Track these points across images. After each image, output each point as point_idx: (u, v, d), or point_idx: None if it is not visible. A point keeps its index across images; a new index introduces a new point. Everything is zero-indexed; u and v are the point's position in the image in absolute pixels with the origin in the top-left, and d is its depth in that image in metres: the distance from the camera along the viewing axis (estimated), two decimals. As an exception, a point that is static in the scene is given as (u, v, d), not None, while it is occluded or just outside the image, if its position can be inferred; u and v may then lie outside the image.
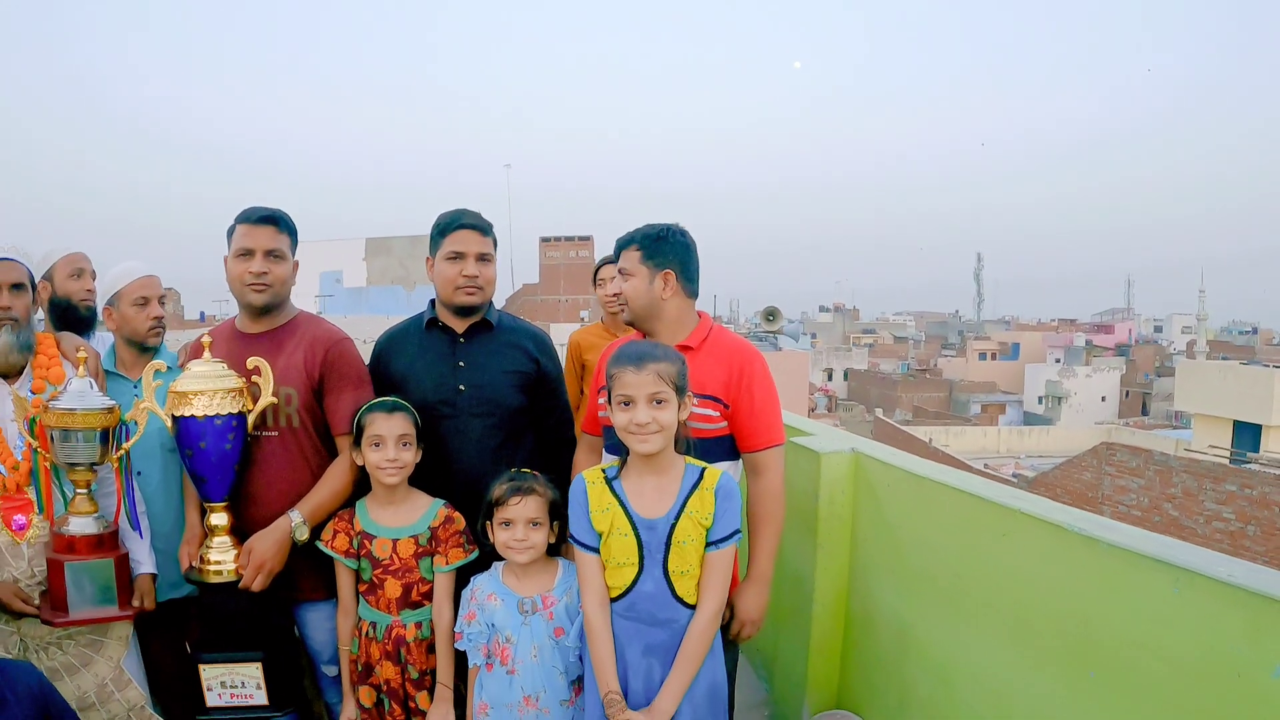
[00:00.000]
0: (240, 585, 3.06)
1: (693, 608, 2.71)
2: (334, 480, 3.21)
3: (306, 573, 3.23)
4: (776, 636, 4.33)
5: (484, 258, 3.32)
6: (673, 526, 2.68)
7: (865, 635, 3.80)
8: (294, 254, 3.33)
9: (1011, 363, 68.63)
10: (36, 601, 3.02)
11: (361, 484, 3.24)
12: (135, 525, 3.17)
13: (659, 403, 2.65)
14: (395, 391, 3.26)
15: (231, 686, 3.13)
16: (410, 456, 3.11)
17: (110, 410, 3.02)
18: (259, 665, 3.11)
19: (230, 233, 3.26)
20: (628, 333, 3.98)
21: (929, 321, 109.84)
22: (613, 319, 4.61)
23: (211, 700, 3.15)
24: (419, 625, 3.11)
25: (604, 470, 2.81)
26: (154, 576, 3.23)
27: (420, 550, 3.11)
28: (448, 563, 3.11)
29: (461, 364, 3.34)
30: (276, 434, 3.22)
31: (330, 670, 3.35)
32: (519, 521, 2.92)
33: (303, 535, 3.11)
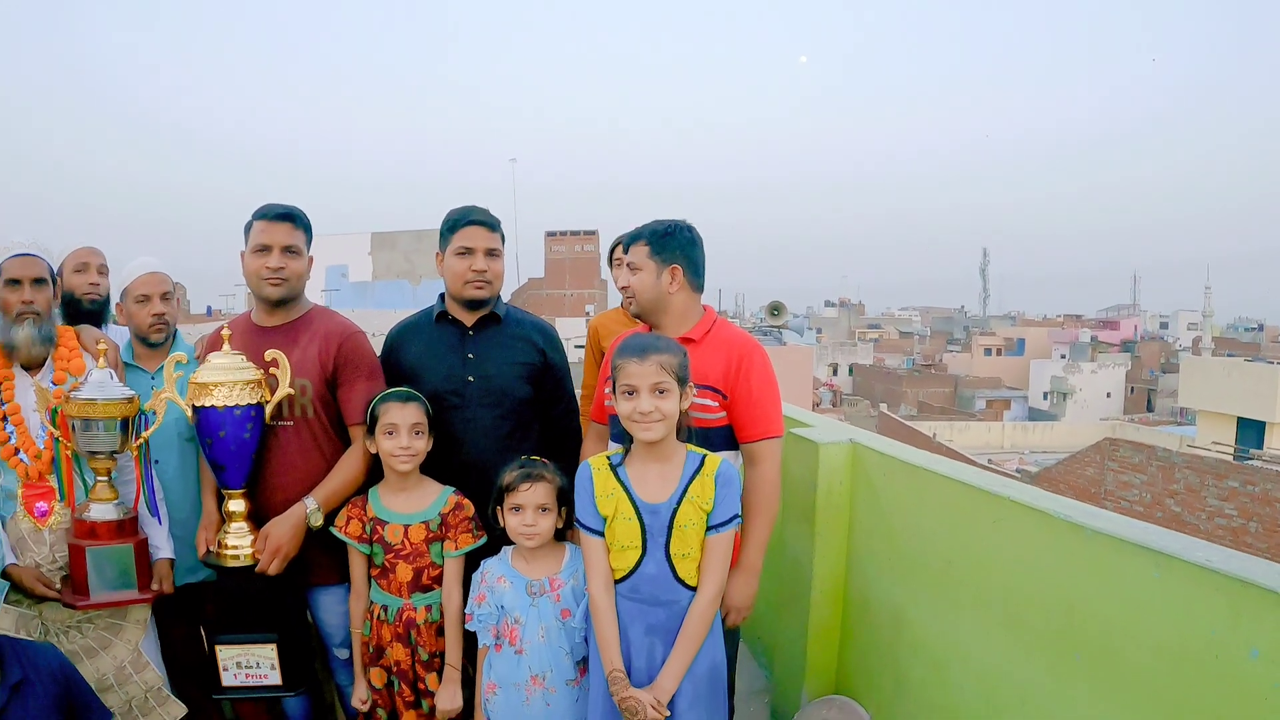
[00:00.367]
0: (257, 569, 3.14)
1: (694, 589, 2.81)
2: (347, 468, 3.29)
3: (320, 558, 3.31)
4: (776, 624, 4.40)
5: (492, 253, 3.41)
6: (674, 511, 2.78)
7: (862, 622, 3.87)
8: (309, 250, 3.41)
9: (1017, 358, 68.42)
10: (58, 586, 3.10)
11: (374, 472, 3.33)
12: (154, 512, 3.25)
13: (661, 392, 2.75)
14: (406, 382, 3.34)
15: (247, 667, 3.23)
16: (422, 445, 3.21)
17: (130, 400, 3.10)
18: (274, 646, 3.21)
19: (247, 229, 3.34)
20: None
21: (934, 317, 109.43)
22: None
23: (227, 680, 3.25)
24: (429, 608, 3.21)
25: (609, 457, 2.91)
26: (172, 561, 3.30)
27: (431, 535, 3.20)
28: (457, 548, 3.20)
29: (470, 356, 3.42)
30: (292, 424, 3.30)
31: (342, 653, 3.43)
32: (529, 507, 3.01)
33: (317, 521, 3.20)
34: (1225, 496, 18.96)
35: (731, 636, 3.36)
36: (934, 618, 3.33)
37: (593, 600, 2.86)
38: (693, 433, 2.93)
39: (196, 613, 3.55)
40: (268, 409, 3.19)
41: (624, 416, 2.80)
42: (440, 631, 3.21)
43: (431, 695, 3.21)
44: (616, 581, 2.85)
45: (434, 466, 3.29)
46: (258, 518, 3.25)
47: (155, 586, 3.19)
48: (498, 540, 3.19)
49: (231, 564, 3.17)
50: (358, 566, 3.27)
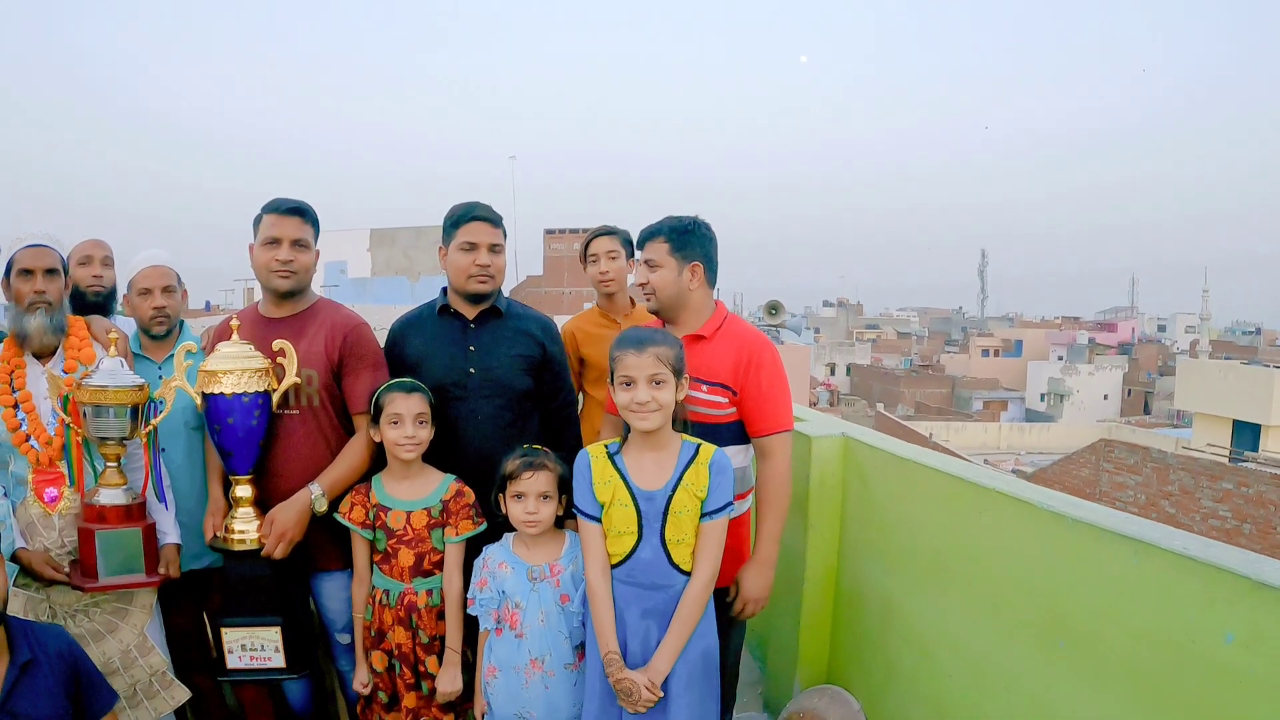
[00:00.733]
0: (262, 553, 3.21)
1: (688, 574, 2.89)
2: (351, 456, 3.37)
3: (323, 544, 3.39)
4: (770, 615, 4.41)
5: (495, 248, 3.47)
6: (670, 498, 2.86)
7: (853, 612, 3.93)
8: (316, 243, 3.48)
9: (1014, 360, 68.21)
10: (66, 570, 3.16)
11: (377, 460, 3.40)
12: (161, 498, 3.32)
13: (658, 383, 2.83)
14: (409, 374, 3.40)
15: (252, 649, 3.29)
16: (426, 434, 3.27)
17: (140, 388, 3.15)
18: (278, 629, 3.27)
19: (257, 222, 3.40)
20: (626, 317, 4.13)
21: (933, 317, 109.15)
22: (608, 300, 4.43)
23: (232, 662, 3.31)
24: (429, 593, 3.28)
25: (606, 445, 2.99)
26: (178, 546, 3.36)
27: (432, 522, 3.27)
28: (458, 534, 3.27)
29: (472, 348, 3.48)
30: (298, 412, 3.38)
31: (343, 639, 3.49)
32: (531, 494, 3.08)
33: (322, 507, 3.27)
34: (1220, 498, 18.98)
35: (739, 628, 3.47)
36: (923, 607, 3.40)
37: (590, 584, 2.94)
38: (688, 423, 3.01)
39: (200, 599, 3.63)
40: (275, 397, 3.26)
41: (622, 406, 2.87)
42: (441, 616, 3.28)
43: (431, 678, 3.28)
44: (613, 566, 2.93)
45: (436, 456, 3.36)
46: (264, 504, 3.31)
47: (162, 570, 3.25)
48: (499, 527, 3.26)
49: (238, 548, 3.24)
50: (361, 552, 3.33)
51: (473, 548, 3.29)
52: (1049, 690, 2.69)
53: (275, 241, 3.35)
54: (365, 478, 3.38)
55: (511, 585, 3.09)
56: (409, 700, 3.32)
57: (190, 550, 3.44)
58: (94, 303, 4.03)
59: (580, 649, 3.09)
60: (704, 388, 3.24)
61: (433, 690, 3.27)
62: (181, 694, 3.38)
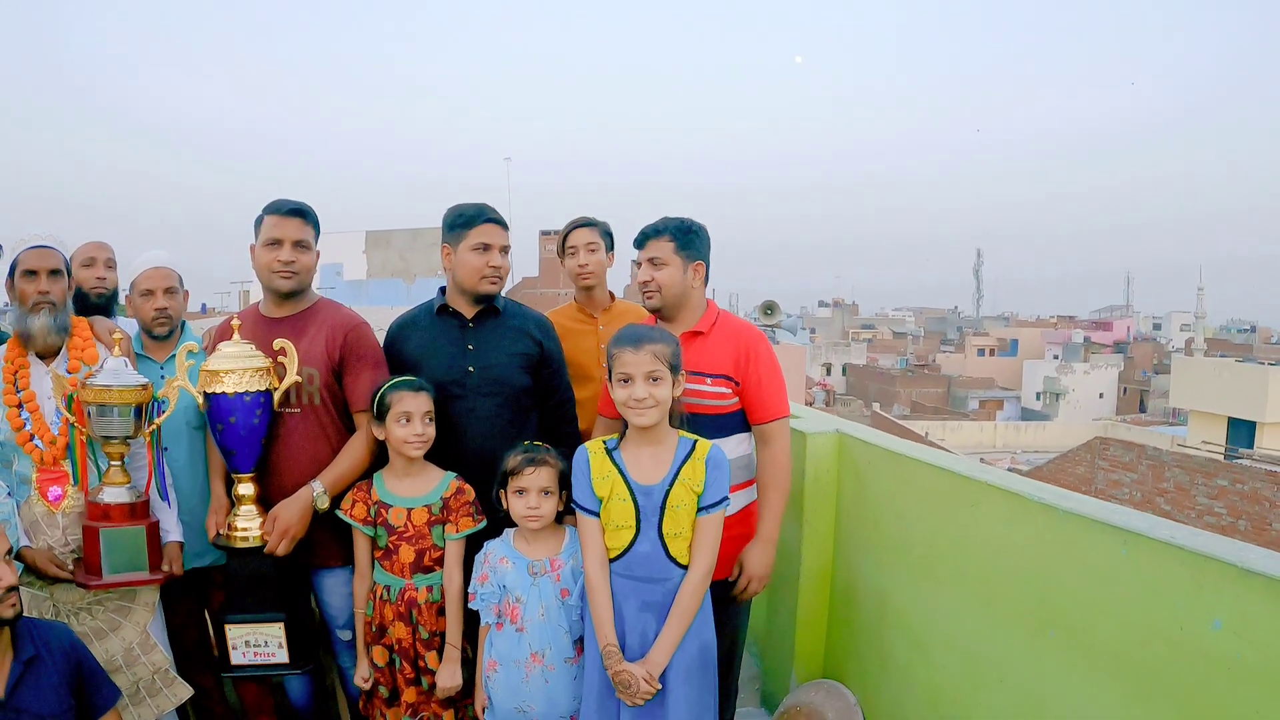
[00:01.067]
0: (265, 550, 3.25)
1: (685, 568, 2.93)
2: (353, 453, 3.40)
3: (325, 541, 3.42)
4: (766, 610, 4.49)
5: (504, 250, 3.51)
6: (667, 492, 2.90)
7: (848, 606, 3.96)
8: (316, 244, 3.51)
9: (1010, 359, 68.13)
10: (69, 567, 3.18)
11: (377, 458, 3.44)
12: (164, 496, 3.34)
13: (655, 380, 2.87)
14: (408, 373, 3.43)
15: (255, 645, 3.32)
16: (432, 431, 3.31)
17: (144, 387, 3.18)
18: (281, 625, 3.31)
19: (258, 223, 3.43)
20: (604, 312, 4.14)
21: (928, 317, 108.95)
22: (585, 294, 4.33)
23: (236, 659, 3.35)
24: (430, 589, 3.31)
25: (605, 441, 3.03)
26: (181, 544, 3.38)
27: (433, 519, 3.31)
28: (458, 530, 3.30)
29: (471, 347, 3.51)
30: (299, 411, 3.41)
31: (344, 635, 3.52)
32: (532, 490, 3.12)
33: (323, 504, 3.30)
34: (1215, 495, 19.03)
35: (743, 612, 3.54)
36: (917, 600, 3.43)
37: (588, 578, 2.98)
38: (684, 418, 3.05)
39: (202, 597, 3.66)
40: (276, 395, 3.29)
41: (619, 403, 2.92)
42: (441, 611, 3.31)
43: (431, 673, 3.30)
44: (611, 560, 2.97)
45: (436, 453, 3.39)
46: (266, 502, 3.35)
47: (165, 568, 3.27)
48: (499, 523, 3.30)
49: (241, 545, 3.27)
50: (362, 548, 3.36)
51: (472, 544, 3.32)
52: (1040, 679, 2.72)
53: (277, 242, 3.38)
54: (365, 475, 3.41)
55: (512, 580, 3.13)
56: (409, 695, 3.34)
57: (193, 548, 3.46)
58: (97, 304, 4.05)
59: (580, 643, 3.13)
60: (708, 380, 3.34)
61: (433, 685, 3.30)
62: (184, 691, 3.39)
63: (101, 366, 3.22)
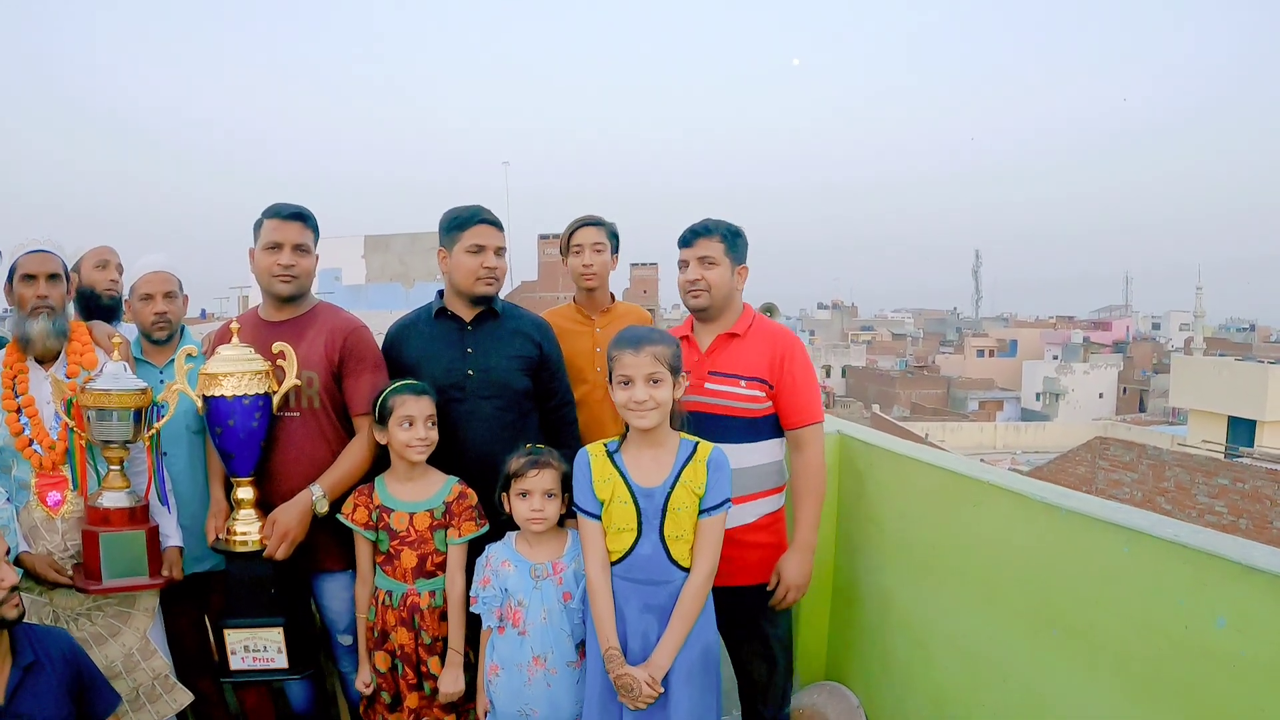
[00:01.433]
0: (265, 554, 3.23)
1: (687, 570, 2.92)
2: (352, 457, 3.39)
3: (325, 545, 3.40)
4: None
5: (500, 251, 3.50)
6: (668, 495, 2.89)
7: (850, 608, 3.95)
8: (315, 249, 3.51)
9: (1009, 360, 68.19)
10: (69, 573, 3.17)
11: (377, 461, 3.42)
12: (164, 501, 3.33)
13: (655, 382, 2.86)
14: (408, 376, 3.42)
15: (254, 650, 3.31)
16: (435, 435, 3.30)
17: (143, 391, 3.17)
18: (281, 630, 3.29)
19: (258, 227, 3.43)
20: (603, 314, 4.11)
21: (927, 319, 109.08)
22: (587, 295, 4.16)
23: (235, 663, 3.33)
24: (432, 594, 3.30)
25: (605, 444, 3.02)
26: (181, 549, 3.37)
27: (435, 523, 3.29)
28: (460, 535, 3.29)
29: (470, 350, 3.50)
30: (298, 414, 3.40)
31: (345, 640, 3.50)
32: (536, 492, 3.10)
33: (323, 508, 3.29)
34: (1215, 494, 19.04)
35: (785, 619, 3.51)
36: (918, 601, 3.43)
37: (590, 581, 2.96)
38: (685, 420, 3.04)
39: (202, 602, 3.64)
40: (275, 399, 3.28)
41: (620, 405, 2.90)
42: (443, 617, 3.30)
43: (434, 678, 3.29)
44: (613, 563, 2.95)
45: (436, 457, 3.37)
46: (265, 506, 3.33)
47: (165, 573, 3.26)
48: (500, 527, 3.29)
49: (240, 550, 3.26)
50: (364, 553, 3.35)
51: (474, 549, 3.31)
52: (1043, 679, 2.72)
53: (277, 246, 3.38)
54: (366, 479, 3.40)
55: (514, 583, 3.12)
56: (411, 701, 3.33)
57: (193, 553, 3.46)
58: (109, 305, 4.11)
59: (582, 646, 3.11)
60: (742, 383, 3.36)
61: (435, 691, 3.29)
62: (184, 697, 3.38)
63: (100, 371, 3.21)
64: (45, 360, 3.31)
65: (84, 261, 4.14)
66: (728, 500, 2.94)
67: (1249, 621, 2.09)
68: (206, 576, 3.58)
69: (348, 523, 3.32)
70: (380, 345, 3.64)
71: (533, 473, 3.11)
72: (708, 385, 3.39)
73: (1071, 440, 34.08)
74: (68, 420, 3.20)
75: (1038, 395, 57.91)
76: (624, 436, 3.01)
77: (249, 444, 3.24)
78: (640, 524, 2.91)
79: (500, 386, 3.50)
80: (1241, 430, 28.05)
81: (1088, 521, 2.56)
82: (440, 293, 3.64)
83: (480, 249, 3.46)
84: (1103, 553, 2.49)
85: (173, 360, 3.51)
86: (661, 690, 2.86)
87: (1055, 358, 64.70)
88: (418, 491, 3.33)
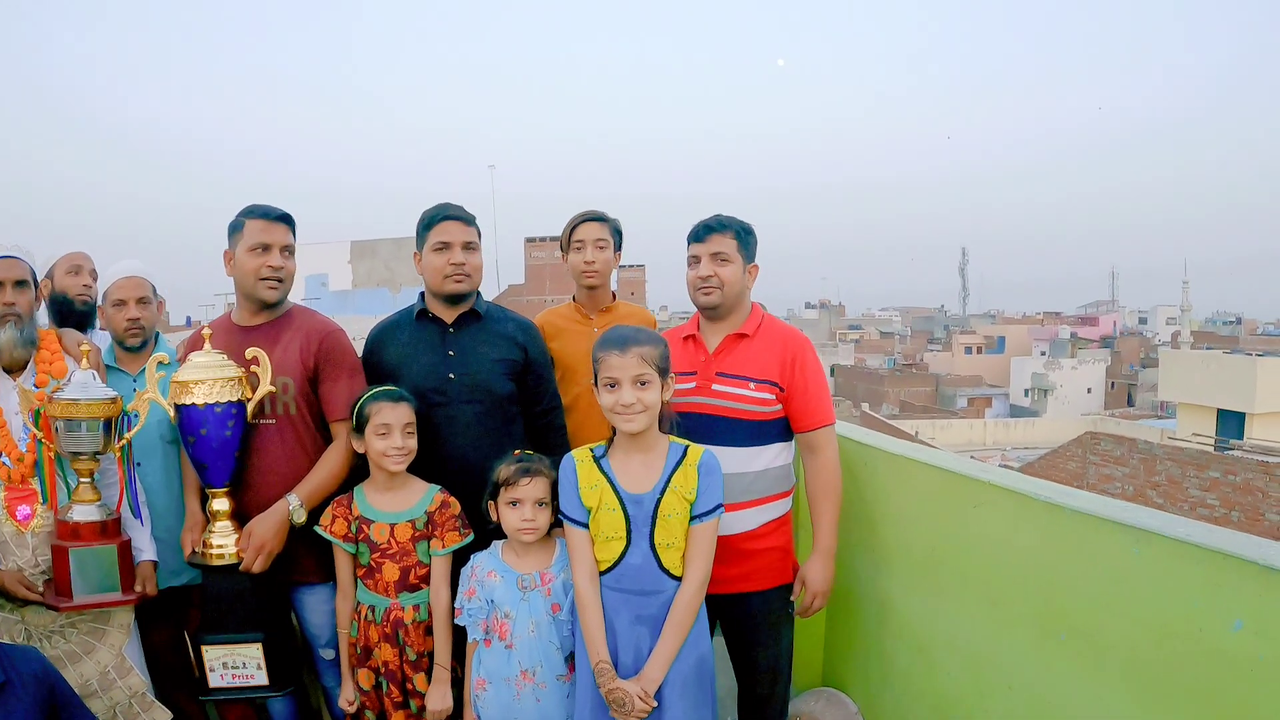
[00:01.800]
0: (241, 567, 3.14)
1: (679, 579, 2.82)
2: (329, 464, 3.30)
3: (304, 556, 3.31)
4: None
5: (469, 246, 3.40)
6: (658, 501, 2.80)
7: (847, 612, 3.87)
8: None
9: (997, 356, 68.61)
10: (40, 589, 3.08)
11: (360, 470, 3.33)
12: (136, 513, 3.25)
13: (643, 384, 2.76)
14: (388, 381, 3.34)
15: (233, 667, 3.22)
16: (413, 444, 3.20)
17: (113, 400, 3.09)
18: (259, 646, 3.20)
19: (238, 228, 3.33)
20: (603, 313, 4.03)
21: (915, 317, 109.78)
22: (588, 293, 4.03)
23: (214, 681, 3.24)
24: (416, 608, 3.20)
25: (592, 449, 2.92)
26: (155, 564, 3.29)
27: (417, 534, 3.19)
28: (444, 546, 3.19)
29: (451, 353, 3.42)
30: (274, 422, 3.31)
31: (327, 654, 3.42)
32: (527, 501, 3.01)
33: (300, 518, 3.20)
34: (1207, 487, 19.12)
35: (788, 627, 3.45)
36: (918, 605, 3.35)
37: (578, 592, 2.87)
38: (674, 423, 2.95)
39: (180, 617, 3.56)
40: (249, 406, 3.20)
41: (606, 409, 2.81)
42: (428, 631, 3.20)
43: (420, 696, 3.20)
44: (602, 573, 2.86)
45: (418, 464, 3.28)
46: (242, 517, 3.25)
47: (139, 589, 3.18)
48: (486, 535, 3.19)
49: (216, 563, 3.18)
50: (344, 566, 3.26)
51: (459, 559, 3.22)
52: (1050, 685, 2.64)
53: (265, 248, 3.29)
54: (347, 487, 3.31)
55: (501, 594, 3.02)
56: (397, 719, 3.24)
57: (169, 567, 3.38)
58: (82, 311, 4.03)
59: (571, 659, 3.02)
60: (751, 385, 3.27)
61: (421, 708, 3.19)
62: (162, 716, 3.32)
63: (69, 380, 3.13)
64: (14, 370, 3.21)
65: (56, 267, 4.07)
66: (720, 505, 2.85)
67: (1267, 624, 2.01)
68: (185, 591, 3.49)
69: (326, 535, 3.22)
70: (362, 348, 3.56)
71: (524, 481, 3.01)
72: (715, 387, 3.30)
73: (1061, 436, 34.22)
74: (36, 431, 3.11)
75: (1026, 391, 58.21)
76: (611, 441, 2.91)
77: (223, 454, 3.15)
78: (629, 532, 2.82)
79: (483, 390, 3.41)
80: (1231, 423, 28.20)
81: (1095, 521, 2.47)
82: (422, 294, 3.56)
83: (445, 246, 3.38)
84: (1111, 554, 2.41)
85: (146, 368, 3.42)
86: (655, 705, 2.78)
87: (1043, 354, 65.10)
88: (398, 501, 3.23)
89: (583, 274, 3.99)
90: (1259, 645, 2.01)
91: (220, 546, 3.19)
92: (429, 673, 3.20)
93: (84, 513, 3.10)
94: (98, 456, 3.14)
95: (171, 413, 3.17)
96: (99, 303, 3.72)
